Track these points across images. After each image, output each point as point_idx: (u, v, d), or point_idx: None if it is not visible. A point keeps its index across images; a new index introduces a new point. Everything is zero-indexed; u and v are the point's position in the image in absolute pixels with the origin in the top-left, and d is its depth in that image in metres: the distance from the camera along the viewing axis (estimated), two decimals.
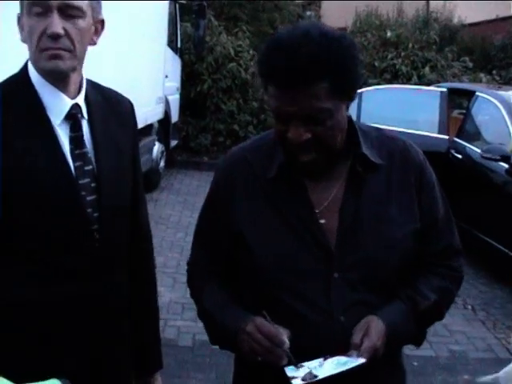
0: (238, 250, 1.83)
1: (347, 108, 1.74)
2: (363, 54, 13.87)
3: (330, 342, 1.72)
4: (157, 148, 10.13)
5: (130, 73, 7.54)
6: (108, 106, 2.00)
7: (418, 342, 1.94)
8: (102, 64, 4.62)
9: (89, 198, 1.87)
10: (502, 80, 13.77)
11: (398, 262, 1.79)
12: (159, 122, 10.20)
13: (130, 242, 2.04)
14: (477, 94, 8.09)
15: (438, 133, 8.14)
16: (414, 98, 8.87)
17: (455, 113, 9.97)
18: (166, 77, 10.29)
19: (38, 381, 1.48)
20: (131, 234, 2.05)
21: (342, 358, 1.66)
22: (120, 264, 1.98)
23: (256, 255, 1.79)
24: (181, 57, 11.79)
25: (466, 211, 7.26)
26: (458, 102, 11.17)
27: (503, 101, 7.45)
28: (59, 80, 1.84)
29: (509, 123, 7.08)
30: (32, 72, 1.86)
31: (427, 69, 13.52)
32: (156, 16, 9.46)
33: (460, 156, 7.74)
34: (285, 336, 1.68)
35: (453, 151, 7.86)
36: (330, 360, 1.66)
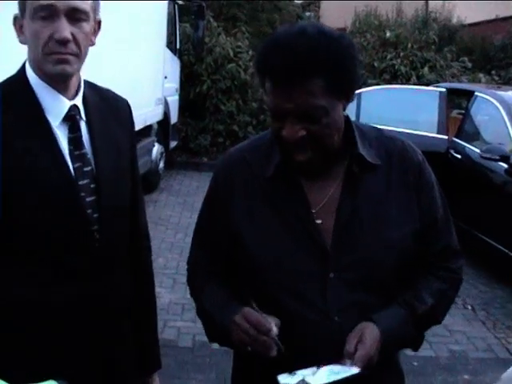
0: (237, 249, 1.83)
1: (344, 108, 1.74)
2: (362, 54, 13.88)
3: (327, 342, 1.72)
4: (156, 149, 10.13)
5: (129, 74, 7.54)
6: (106, 106, 2.01)
7: (415, 346, 1.93)
8: (101, 65, 4.63)
9: (88, 199, 1.87)
10: (501, 80, 13.78)
11: (396, 262, 1.78)
12: (158, 123, 10.20)
13: (128, 242, 2.04)
14: (476, 94, 8.09)
15: (437, 133, 8.14)
16: (414, 98, 8.86)
17: (454, 113, 9.98)
18: (165, 78, 10.29)
19: (37, 381, 1.48)
20: (130, 235, 2.05)
21: (336, 367, 1.65)
22: (120, 264, 1.98)
23: (254, 255, 1.79)
24: (180, 58, 11.78)
25: (466, 211, 7.26)
26: (457, 102, 11.19)
27: (502, 101, 7.46)
28: (61, 82, 1.85)
29: (508, 123, 7.08)
30: (30, 74, 1.86)
31: (426, 69, 13.53)
32: (155, 17, 9.46)
33: (459, 156, 7.74)
34: (272, 324, 1.67)
35: (452, 151, 7.86)
36: (323, 368, 1.65)
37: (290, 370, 1.69)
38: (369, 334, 1.70)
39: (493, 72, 14.37)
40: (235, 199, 1.84)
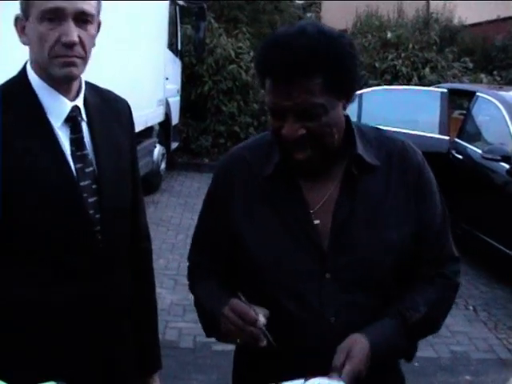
0: (237, 249, 1.83)
1: (344, 108, 1.75)
2: (364, 55, 13.88)
3: (324, 343, 1.72)
4: (157, 150, 10.14)
5: (130, 75, 7.55)
6: (106, 107, 2.01)
7: (408, 356, 1.91)
8: (102, 66, 4.63)
9: (90, 200, 1.87)
10: (502, 80, 13.76)
11: (394, 263, 1.78)
12: (160, 124, 10.22)
13: (129, 242, 2.04)
14: (477, 94, 8.09)
15: (439, 133, 8.14)
16: (415, 99, 8.86)
17: (456, 113, 9.97)
18: (167, 79, 10.31)
19: (37, 381, 1.49)
20: (131, 235, 2.05)
21: (324, 380, 1.63)
22: (120, 264, 1.98)
23: (253, 255, 1.79)
24: (181, 59, 11.80)
25: (467, 212, 7.27)
26: (458, 102, 11.17)
27: (504, 101, 7.45)
28: (64, 84, 1.85)
29: (509, 124, 7.08)
30: (31, 75, 1.86)
31: (427, 69, 13.53)
32: (156, 18, 9.47)
33: (461, 156, 7.73)
34: (260, 315, 1.67)
35: (453, 152, 7.86)
36: (310, 381, 1.63)
37: (291, 369, 1.69)
38: (358, 348, 1.67)
39: (494, 72, 14.36)
40: (235, 199, 1.85)
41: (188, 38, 12.64)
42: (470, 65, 14.39)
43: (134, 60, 7.98)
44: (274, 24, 16.26)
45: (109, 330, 1.93)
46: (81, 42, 1.78)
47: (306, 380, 1.64)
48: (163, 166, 10.71)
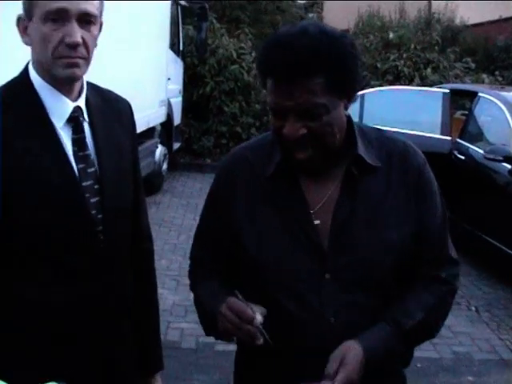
0: (237, 248, 1.84)
1: (346, 108, 1.75)
2: (365, 55, 13.88)
3: (322, 343, 1.72)
4: (159, 151, 10.14)
5: (132, 76, 7.56)
6: (108, 107, 2.01)
7: (404, 362, 1.90)
8: (104, 66, 4.63)
9: (92, 200, 1.87)
10: (504, 81, 13.76)
11: (394, 263, 1.77)
12: (162, 124, 10.22)
13: (131, 243, 2.04)
14: (479, 94, 8.08)
15: (441, 134, 8.13)
16: (417, 99, 8.85)
17: (458, 114, 9.96)
18: (169, 79, 10.31)
19: (37, 381, 1.49)
20: (132, 236, 2.05)
21: None
22: (121, 264, 1.98)
23: (254, 255, 1.80)
24: (183, 59, 11.81)
25: (469, 212, 7.27)
26: (460, 103, 11.17)
27: (506, 102, 7.45)
28: (66, 85, 1.85)
29: (511, 124, 7.07)
30: (33, 75, 1.86)
31: (429, 70, 13.51)
32: (158, 19, 9.48)
33: (463, 157, 7.73)
34: (257, 313, 1.67)
35: (455, 152, 7.85)
36: None
37: (291, 369, 1.70)
38: (351, 356, 1.66)
39: (496, 73, 14.35)
40: (237, 199, 1.85)
41: (190, 39, 12.65)
42: (472, 65, 14.38)
43: (136, 60, 7.98)
44: (276, 24, 16.26)
45: (109, 329, 1.93)
46: (84, 42, 1.78)
47: None
48: (165, 166, 10.71)
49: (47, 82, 1.84)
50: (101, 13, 1.86)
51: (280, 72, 1.63)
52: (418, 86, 12.00)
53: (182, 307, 5.70)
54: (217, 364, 4.65)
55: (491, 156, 6.99)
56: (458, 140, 8.00)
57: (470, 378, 4.81)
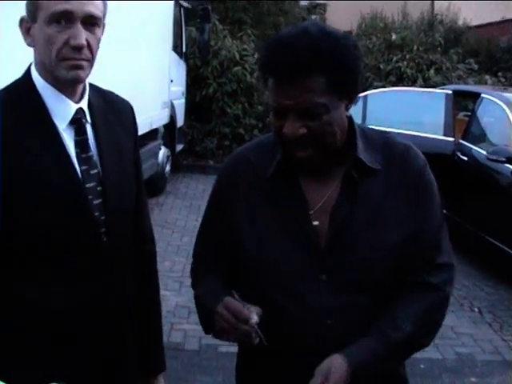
0: (237, 249, 1.85)
1: (347, 109, 1.75)
2: (368, 56, 13.89)
3: (321, 343, 1.73)
4: (162, 152, 10.15)
5: (135, 77, 7.57)
6: (109, 109, 2.02)
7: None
8: (107, 68, 4.64)
9: (95, 202, 1.88)
10: (507, 82, 13.73)
11: (393, 264, 1.77)
12: (165, 126, 10.24)
13: (133, 244, 2.05)
14: (482, 95, 8.08)
15: (444, 135, 8.13)
16: (420, 101, 8.85)
17: (461, 115, 9.96)
18: (172, 81, 10.32)
19: (37, 381, 1.49)
20: (135, 237, 2.06)
21: None
22: (123, 265, 1.99)
23: (254, 255, 1.81)
24: (186, 61, 11.81)
25: (472, 213, 7.27)
26: (463, 104, 11.18)
27: (509, 103, 7.45)
28: (70, 87, 1.86)
29: None
30: (36, 77, 1.86)
31: (432, 71, 13.51)
32: (161, 21, 9.49)
33: (466, 158, 7.73)
34: (253, 313, 1.68)
35: (458, 153, 7.85)
36: None
37: (291, 369, 1.71)
38: (336, 370, 1.65)
39: (499, 74, 14.33)
40: (238, 199, 1.86)
41: (193, 40, 12.65)
42: (475, 66, 14.37)
43: (139, 62, 7.99)
44: (279, 26, 16.22)
45: (109, 330, 1.94)
46: (88, 45, 1.78)
47: None
48: (168, 168, 10.72)
49: (50, 83, 1.84)
50: (104, 15, 1.87)
51: (281, 71, 1.64)
52: (421, 87, 11.99)
53: (185, 309, 5.70)
54: (220, 365, 4.65)
55: (494, 157, 6.99)
56: (461, 141, 8.01)
57: (473, 379, 4.81)
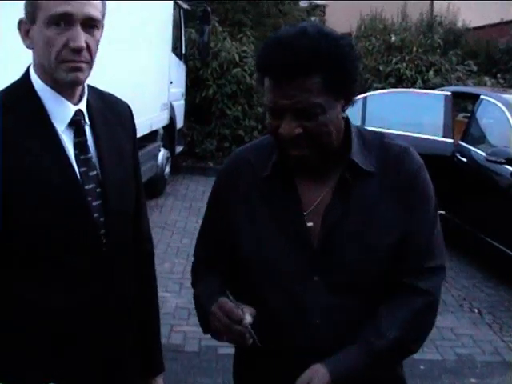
0: (237, 249, 1.86)
1: (343, 110, 1.76)
2: (368, 58, 13.90)
3: (311, 343, 1.75)
4: (162, 154, 10.15)
5: (134, 79, 7.57)
6: (108, 110, 2.02)
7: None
8: (107, 70, 4.64)
9: (94, 204, 1.88)
10: (506, 83, 13.75)
11: (383, 267, 1.76)
12: (164, 128, 10.23)
13: (132, 245, 2.05)
14: (481, 97, 8.09)
15: (443, 136, 8.13)
16: (419, 102, 8.86)
17: (460, 116, 9.97)
18: (171, 83, 10.32)
19: (37, 382, 1.49)
20: (133, 238, 2.06)
21: None
22: (123, 265, 1.99)
23: (249, 256, 1.82)
24: (185, 63, 11.82)
25: (472, 214, 7.27)
26: (462, 105, 11.19)
27: (508, 104, 7.46)
28: (68, 89, 1.86)
29: None
30: (34, 79, 1.86)
31: (431, 73, 13.52)
32: (161, 22, 9.49)
33: (465, 159, 7.73)
34: (247, 314, 1.68)
35: (458, 155, 7.86)
36: None
37: (288, 369, 1.72)
38: (317, 380, 1.66)
39: (498, 75, 14.35)
40: (237, 200, 1.87)
41: (192, 42, 12.66)
42: (474, 68, 14.39)
43: (139, 64, 7.99)
44: (279, 27, 16.09)
45: (109, 330, 1.94)
46: (87, 47, 1.79)
47: None
48: (168, 169, 10.73)
49: (49, 85, 1.85)
50: (103, 15, 1.87)
51: (278, 71, 1.65)
52: (421, 88, 12.01)
53: (185, 310, 5.70)
54: (220, 367, 4.65)
55: (493, 158, 7.00)
56: (461, 142, 8.01)
57: (473, 380, 4.81)
